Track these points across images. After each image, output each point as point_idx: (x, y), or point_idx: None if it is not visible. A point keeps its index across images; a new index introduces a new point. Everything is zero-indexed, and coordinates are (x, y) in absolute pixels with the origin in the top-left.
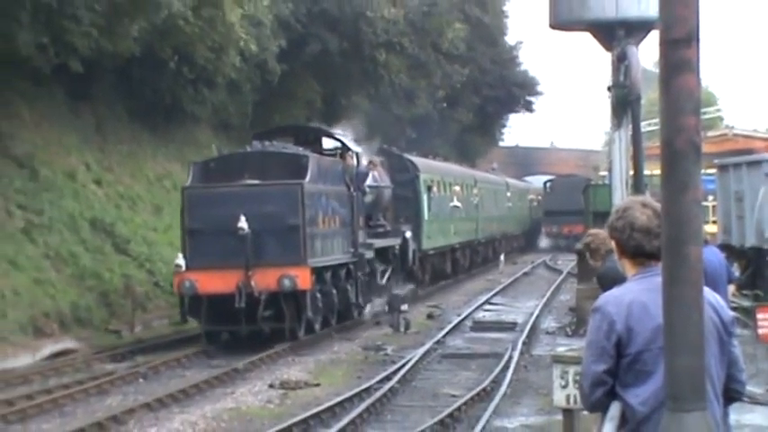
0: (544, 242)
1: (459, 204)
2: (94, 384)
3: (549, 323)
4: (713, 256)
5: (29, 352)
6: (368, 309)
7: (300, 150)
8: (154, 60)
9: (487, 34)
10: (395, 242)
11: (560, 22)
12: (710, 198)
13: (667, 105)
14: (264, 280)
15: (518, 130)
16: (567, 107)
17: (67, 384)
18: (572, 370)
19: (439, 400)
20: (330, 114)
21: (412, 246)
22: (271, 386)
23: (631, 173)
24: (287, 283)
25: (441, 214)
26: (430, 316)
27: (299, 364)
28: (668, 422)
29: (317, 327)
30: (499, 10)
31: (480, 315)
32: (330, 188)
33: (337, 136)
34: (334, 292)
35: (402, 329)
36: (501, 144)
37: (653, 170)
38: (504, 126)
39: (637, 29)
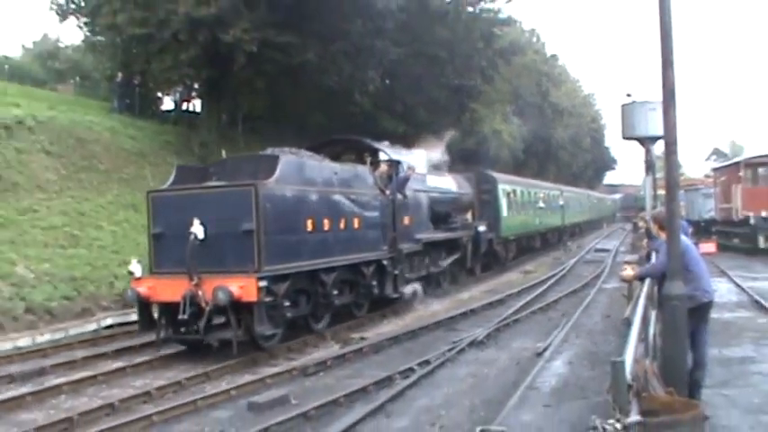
0: (618, 219)
1: (543, 205)
2: None
3: (621, 248)
4: (685, 222)
5: None
6: (407, 292)
7: (280, 152)
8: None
9: (597, 142)
10: (461, 234)
11: (625, 135)
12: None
13: (667, 166)
14: (211, 290)
15: (610, 177)
16: (631, 166)
17: None
18: (629, 266)
19: (581, 278)
20: (542, 173)
21: (486, 237)
22: (520, 272)
23: (651, 193)
24: (220, 295)
25: (521, 211)
26: (578, 246)
27: (530, 263)
28: (667, 283)
29: (322, 325)
30: (602, 135)
31: (596, 246)
32: (348, 190)
33: (376, 146)
34: (335, 293)
35: (566, 251)
36: (604, 183)
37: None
38: (604, 176)
39: (654, 139)
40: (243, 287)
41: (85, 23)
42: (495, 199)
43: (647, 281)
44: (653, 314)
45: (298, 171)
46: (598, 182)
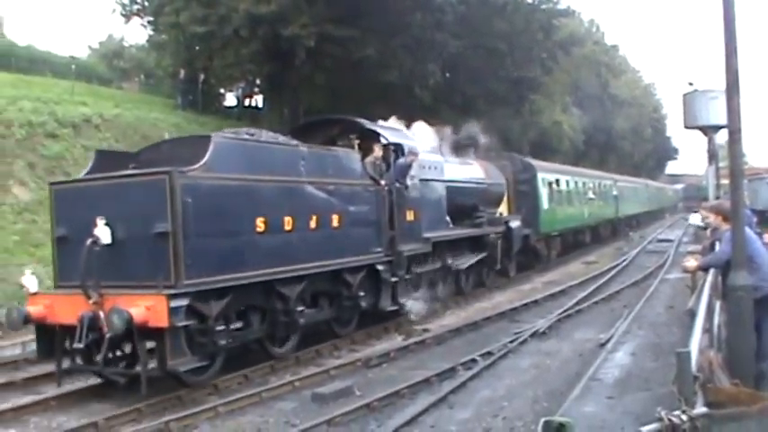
0: (680, 209)
1: (593, 196)
2: None
3: (684, 239)
4: (749, 211)
5: None
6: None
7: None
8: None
9: (659, 132)
10: (487, 231)
11: (687, 125)
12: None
13: (730, 155)
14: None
15: (671, 167)
16: (694, 156)
17: None
18: (692, 256)
19: (643, 268)
20: (603, 163)
21: (520, 233)
22: (582, 263)
23: (714, 182)
24: (115, 319)
25: (566, 203)
26: (641, 236)
27: (590, 254)
28: (732, 273)
29: (286, 349)
30: (663, 125)
31: (658, 236)
32: (323, 180)
33: (371, 128)
34: (301, 309)
35: (629, 242)
36: (666, 173)
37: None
38: (666, 166)
39: (717, 128)
40: (150, 308)
41: (149, 22)
42: (534, 189)
43: (711, 271)
44: (717, 305)
45: (241, 156)
46: (660, 172)
